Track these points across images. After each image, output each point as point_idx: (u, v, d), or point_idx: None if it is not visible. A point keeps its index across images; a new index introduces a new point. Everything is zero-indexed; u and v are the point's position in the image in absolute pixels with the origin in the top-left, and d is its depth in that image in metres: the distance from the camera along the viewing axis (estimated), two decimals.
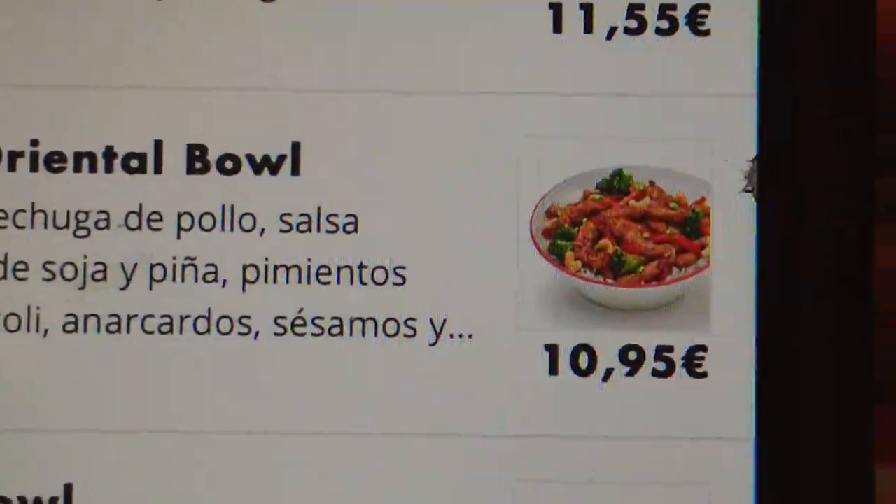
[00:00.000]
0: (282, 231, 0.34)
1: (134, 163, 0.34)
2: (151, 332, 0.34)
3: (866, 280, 0.34)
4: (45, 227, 0.34)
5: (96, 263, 0.34)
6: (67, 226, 0.34)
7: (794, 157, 0.34)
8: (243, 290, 0.34)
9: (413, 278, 0.34)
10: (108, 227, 0.34)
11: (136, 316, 0.34)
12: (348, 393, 0.34)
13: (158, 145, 0.34)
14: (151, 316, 0.34)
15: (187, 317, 0.34)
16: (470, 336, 0.34)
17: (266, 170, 0.34)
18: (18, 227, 0.34)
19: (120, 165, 0.34)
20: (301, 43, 0.34)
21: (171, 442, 0.33)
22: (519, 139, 0.34)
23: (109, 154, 0.34)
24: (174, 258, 0.34)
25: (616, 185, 0.35)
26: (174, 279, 0.34)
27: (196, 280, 0.34)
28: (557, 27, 0.35)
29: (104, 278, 0.34)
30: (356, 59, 0.34)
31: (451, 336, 0.34)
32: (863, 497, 0.34)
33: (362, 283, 0.34)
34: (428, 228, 0.34)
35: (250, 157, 0.34)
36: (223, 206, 0.34)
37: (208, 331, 0.34)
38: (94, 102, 0.34)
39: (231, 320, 0.34)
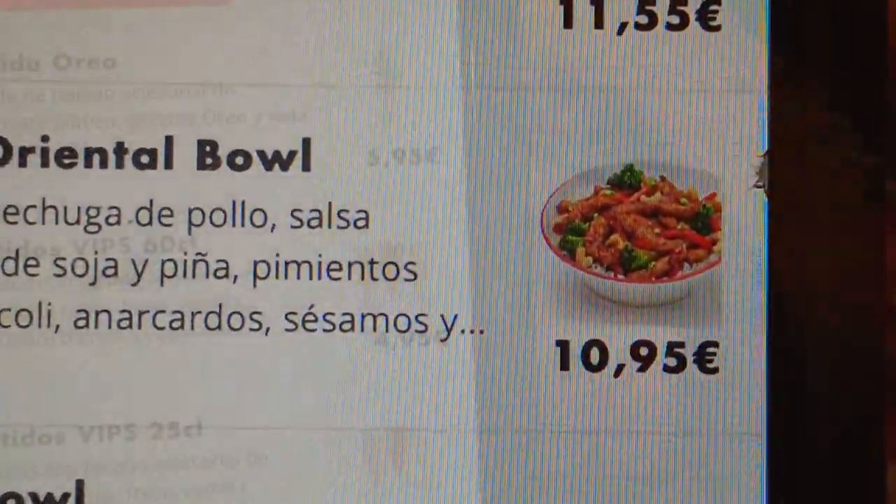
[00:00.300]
0: (292, 227, 0.34)
1: (144, 158, 0.34)
2: (162, 328, 0.34)
3: (879, 276, 0.34)
4: (56, 222, 0.34)
5: (107, 259, 0.34)
6: (78, 221, 0.34)
7: (805, 153, 0.34)
8: (254, 285, 0.34)
9: (424, 274, 0.34)
10: (118, 222, 0.34)
11: (147, 312, 0.34)
12: (359, 388, 0.34)
13: (169, 141, 0.34)
14: (163, 311, 0.34)
15: (198, 312, 0.34)
16: (481, 332, 0.34)
17: (277, 166, 0.34)
18: (29, 223, 0.34)
19: (131, 161, 0.34)
20: (312, 38, 0.34)
21: (182, 437, 0.33)
22: (530, 134, 0.34)
23: (120, 150, 0.34)
24: (185, 254, 0.34)
25: (627, 180, 0.35)
26: (185, 275, 0.34)
27: (207, 276, 0.34)
28: (568, 22, 0.34)
29: (115, 274, 0.34)
30: (367, 55, 0.34)
31: (463, 332, 0.34)
32: (874, 493, 0.34)
33: (373, 278, 0.34)
34: (439, 224, 0.34)
35: (261, 153, 0.34)
36: (234, 202, 0.34)
37: (219, 326, 0.34)
38: (104, 98, 0.34)
39: (242, 316, 0.34)
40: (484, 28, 0.34)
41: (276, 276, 0.34)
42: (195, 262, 0.34)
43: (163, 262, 0.34)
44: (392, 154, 0.34)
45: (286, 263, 0.34)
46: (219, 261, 0.34)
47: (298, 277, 0.34)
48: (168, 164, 0.34)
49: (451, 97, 0.34)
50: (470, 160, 0.34)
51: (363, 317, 0.34)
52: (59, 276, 0.34)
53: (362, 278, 0.34)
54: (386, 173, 0.34)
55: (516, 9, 0.34)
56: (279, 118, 0.34)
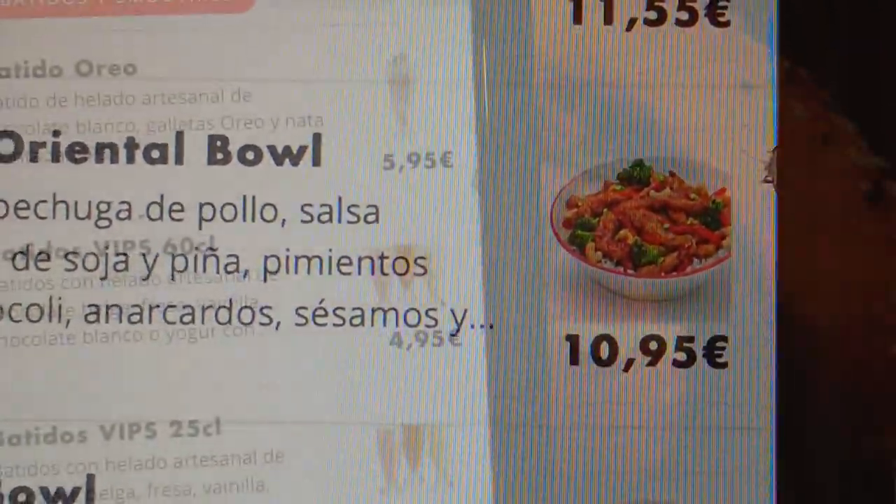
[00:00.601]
0: (303, 222, 0.34)
1: (155, 153, 0.34)
2: (173, 323, 0.34)
3: (888, 270, 0.34)
4: (67, 217, 0.34)
5: (118, 254, 0.34)
6: (89, 216, 0.34)
7: (814, 148, 0.34)
8: (264, 280, 0.34)
9: (434, 269, 0.34)
10: (129, 217, 0.34)
11: (157, 307, 0.34)
12: (370, 383, 0.34)
13: (180, 136, 0.34)
14: (173, 307, 0.34)
15: (209, 307, 0.34)
16: (491, 326, 0.34)
17: (287, 161, 0.34)
18: (40, 218, 0.34)
19: (141, 156, 0.34)
20: (327, 40, 0.34)
21: (195, 433, 0.33)
22: (539, 129, 0.34)
23: (131, 145, 0.34)
24: (196, 249, 0.34)
25: (636, 175, 0.35)
26: (196, 270, 0.34)
27: (217, 270, 0.34)
28: (577, 18, 0.35)
29: (126, 269, 0.34)
30: (378, 51, 0.34)
31: (472, 326, 0.34)
32: (881, 487, 0.34)
33: (383, 273, 0.34)
34: (449, 219, 0.34)
35: (271, 148, 0.34)
36: (244, 197, 0.34)
37: (229, 321, 0.34)
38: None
39: (252, 311, 0.34)
40: (494, 25, 0.34)
41: (287, 271, 0.34)
42: (206, 256, 0.34)
43: (173, 257, 0.34)
44: (401, 149, 0.34)
45: (296, 258, 0.34)
46: (229, 255, 0.34)
47: (308, 272, 0.34)
48: (179, 160, 0.34)
49: (462, 95, 0.34)
50: (480, 157, 0.34)
51: (373, 311, 0.34)
52: (69, 270, 0.34)
53: (372, 273, 0.34)
54: (395, 169, 0.34)
55: (526, 5, 0.35)
56: (297, 120, 0.34)
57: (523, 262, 0.34)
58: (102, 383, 0.33)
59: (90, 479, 0.34)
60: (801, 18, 0.35)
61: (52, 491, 0.34)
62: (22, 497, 0.33)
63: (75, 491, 0.33)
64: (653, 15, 0.35)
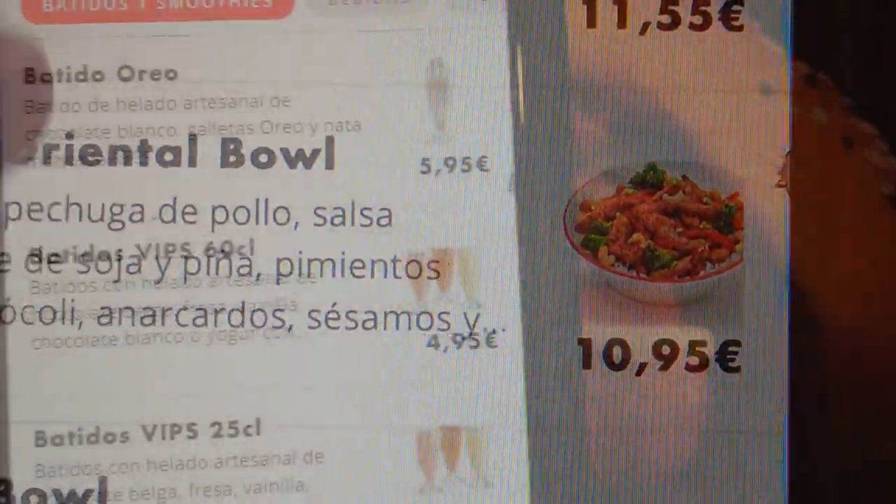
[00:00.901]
0: (316, 225, 0.34)
1: (168, 156, 0.34)
2: (186, 325, 0.34)
3: None
4: (80, 219, 0.34)
5: (131, 256, 0.34)
6: (102, 219, 0.34)
7: (827, 153, 0.34)
8: (277, 283, 0.34)
9: (447, 272, 0.34)
10: (142, 220, 0.34)
11: (170, 309, 0.34)
12: (382, 387, 0.34)
13: (193, 139, 0.34)
14: (185, 309, 0.34)
15: (221, 310, 0.34)
16: (504, 330, 0.34)
17: (300, 164, 0.34)
18: (53, 220, 0.34)
19: (154, 159, 0.34)
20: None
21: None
22: (552, 133, 0.34)
23: (144, 147, 0.34)
24: (208, 251, 0.34)
25: (649, 179, 0.35)
26: (208, 272, 0.34)
27: (230, 273, 0.34)
28: (591, 22, 0.35)
29: (138, 271, 0.34)
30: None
31: (485, 330, 0.34)
32: (894, 492, 0.34)
33: (396, 276, 0.34)
34: (461, 223, 0.34)
35: (284, 151, 0.34)
36: (257, 200, 0.34)
37: (242, 324, 0.34)
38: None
39: (265, 314, 0.34)
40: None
41: (300, 274, 0.34)
42: (218, 259, 0.34)
43: (186, 260, 0.34)
44: (413, 153, 0.34)
45: (309, 261, 0.34)
46: (242, 258, 0.34)
47: (321, 275, 0.34)
48: (192, 162, 0.34)
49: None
50: (491, 158, 0.34)
51: (386, 315, 0.34)
52: (82, 273, 0.34)
53: (385, 276, 0.34)
54: (408, 172, 0.34)
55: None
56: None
57: (536, 266, 0.34)
58: (113, 386, 0.33)
59: (102, 481, 0.34)
60: (814, 21, 0.35)
61: (66, 493, 0.34)
62: (34, 499, 0.33)
63: (87, 493, 0.34)
64: (666, 19, 0.35)
